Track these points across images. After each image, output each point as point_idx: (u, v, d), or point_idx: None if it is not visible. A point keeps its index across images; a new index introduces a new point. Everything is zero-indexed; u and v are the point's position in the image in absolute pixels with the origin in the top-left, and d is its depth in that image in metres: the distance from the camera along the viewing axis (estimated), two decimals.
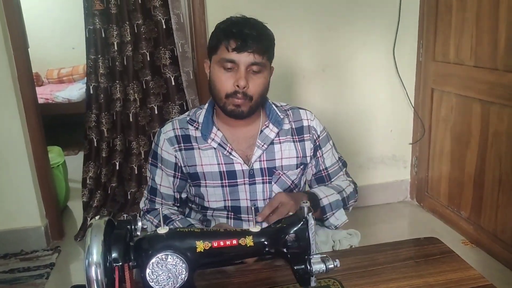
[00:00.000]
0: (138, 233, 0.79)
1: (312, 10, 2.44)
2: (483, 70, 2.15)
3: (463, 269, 0.99)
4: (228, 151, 1.19)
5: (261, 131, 1.21)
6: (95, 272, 0.69)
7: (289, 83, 2.51)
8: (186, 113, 1.26)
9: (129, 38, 2.54)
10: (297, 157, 1.24)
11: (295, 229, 0.81)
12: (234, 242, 0.80)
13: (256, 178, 1.20)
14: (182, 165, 1.21)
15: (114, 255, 0.73)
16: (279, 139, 1.22)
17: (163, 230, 0.79)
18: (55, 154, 2.89)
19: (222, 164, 1.19)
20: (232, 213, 1.22)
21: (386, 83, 2.65)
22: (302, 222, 0.81)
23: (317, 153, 1.28)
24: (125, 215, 2.63)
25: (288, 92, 2.52)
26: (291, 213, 0.97)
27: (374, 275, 0.98)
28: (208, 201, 1.22)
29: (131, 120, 2.66)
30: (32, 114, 2.36)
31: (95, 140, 2.74)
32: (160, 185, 1.24)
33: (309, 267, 0.80)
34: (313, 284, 0.81)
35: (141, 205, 1.30)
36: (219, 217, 1.24)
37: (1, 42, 2.19)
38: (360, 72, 2.60)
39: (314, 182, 1.31)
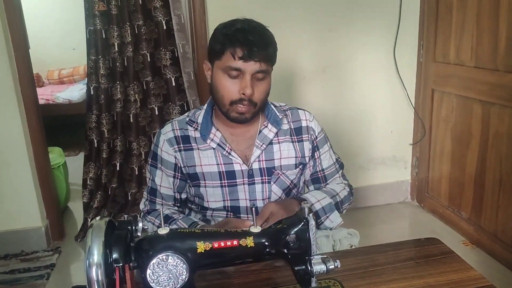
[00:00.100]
0: (139, 233, 0.79)
1: (312, 11, 2.44)
2: (483, 71, 2.15)
3: (464, 269, 0.99)
4: (227, 151, 1.19)
5: (260, 131, 1.22)
6: (96, 273, 0.69)
7: (289, 84, 2.51)
8: (186, 114, 1.27)
9: (130, 39, 2.54)
10: (296, 157, 1.24)
11: (295, 229, 0.81)
12: (235, 242, 0.80)
13: (255, 178, 1.21)
14: (182, 165, 1.21)
15: (114, 255, 0.73)
16: (278, 139, 1.23)
17: (163, 230, 0.79)
18: (55, 154, 2.89)
19: (221, 164, 1.19)
20: (232, 213, 1.23)
21: (386, 83, 2.65)
22: (302, 223, 0.81)
23: (315, 154, 1.28)
24: (125, 216, 2.61)
25: (288, 93, 2.52)
26: None
27: (374, 275, 0.98)
28: (207, 201, 1.22)
29: (131, 121, 2.66)
30: (32, 115, 2.36)
31: (95, 140, 2.74)
32: (160, 185, 1.25)
33: (309, 268, 0.80)
34: (313, 284, 0.81)
35: (141, 206, 1.31)
36: (218, 217, 1.24)
37: (2, 42, 2.20)
38: (360, 72, 2.60)
39: (310, 182, 1.32)
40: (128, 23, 2.52)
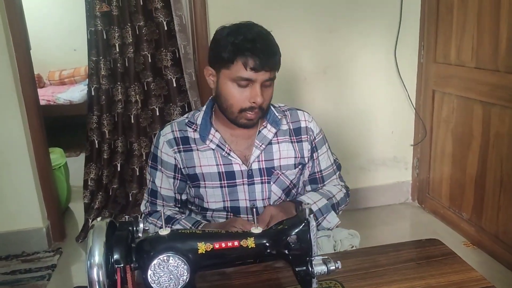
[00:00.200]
0: (140, 234, 0.79)
1: (313, 12, 2.45)
2: (484, 71, 2.15)
3: (465, 270, 0.99)
4: (226, 152, 1.20)
5: (259, 131, 1.22)
6: (97, 274, 0.69)
7: (290, 85, 2.51)
8: (185, 116, 1.28)
9: (131, 40, 2.54)
10: (295, 157, 1.25)
11: (296, 230, 0.81)
12: (236, 243, 0.80)
13: (254, 178, 1.21)
14: (182, 166, 1.22)
15: (116, 256, 0.73)
16: (277, 139, 1.24)
17: (164, 231, 0.79)
18: (56, 155, 2.89)
19: (220, 165, 1.20)
20: (232, 214, 1.23)
21: (387, 84, 2.65)
22: (303, 224, 0.81)
23: (314, 155, 1.29)
24: (126, 217, 2.62)
25: (289, 94, 2.52)
26: None
27: (375, 276, 0.98)
28: (207, 202, 1.22)
29: (132, 121, 2.66)
30: (33, 116, 2.37)
31: (96, 141, 2.75)
32: (161, 187, 1.25)
33: (310, 269, 0.80)
34: (314, 285, 0.81)
35: (142, 208, 1.31)
36: (218, 218, 1.25)
37: (3, 43, 2.20)
38: (361, 73, 2.60)
39: (307, 182, 1.33)
40: (129, 24, 2.52)
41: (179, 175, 1.23)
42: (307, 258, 0.81)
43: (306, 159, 1.27)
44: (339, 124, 2.64)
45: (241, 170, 1.20)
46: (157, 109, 2.61)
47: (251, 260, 1.01)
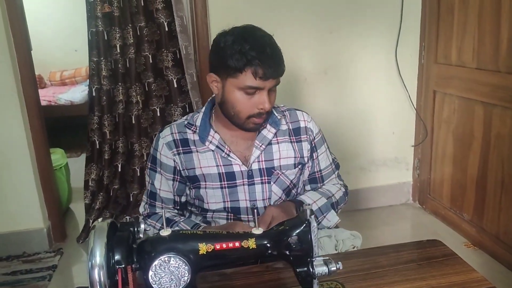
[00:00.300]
0: (141, 235, 0.79)
1: (314, 13, 2.45)
2: (485, 72, 2.15)
3: (466, 271, 0.99)
4: (226, 153, 1.20)
5: (259, 131, 1.22)
6: (98, 274, 0.69)
7: (291, 86, 2.51)
8: (184, 117, 1.28)
9: (132, 41, 2.54)
10: (295, 157, 1.25)
11: (297, 231, 0.81)
12: (237, 244, 0.80)
13: (255, 179, 1.21)
14: (181, 168, 1.22)
15: (117, 257, 0.73)
16: (277, 139, 1.24)
17: (165, 232, 0.79)
18: (57, 156, 2.89)
19: (220, 165, 1.20)
20: (232, 214, 1.23)
21: (388, 85, 2.65)
22: (304, 225, 0.81)
23: (313, 155, 1.30)
24: (127, 217, 2.62)
25: (290, 94, 2.52)
26: None
27: (376, 277, 0.98)
28: (207, 203, 1.23)
29: (133, 122, 2.66)
30: (34, 116, 2.37)
31: (97, 142, 2.75)
32: (160, 189, 1.25)
33: (311, 270, 0.80)
34: (315, 286, 0.81)
35: (141, 209, 1.31)
36: (219, 219, 1.25)
37: (4, 44, 2.20)
38: (362, 74, 2.60)
39: (307, 182, 1.33)
40: (130, 25, 2.52)
41: (179, 177, 1.23)
42: (308, 259, 0.81)
43: (306, 159, 1.28)
44: (339, 125, 2.64)
45: (241, 171, 1.20)
46: (158, 110, 2.61)
47: (252, 261, 1.02)
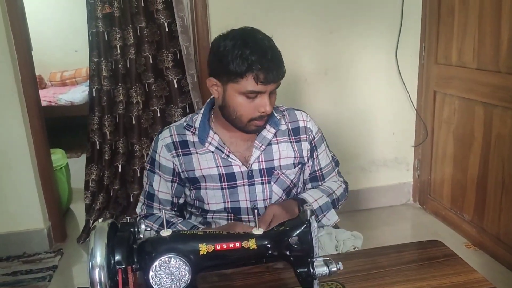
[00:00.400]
0: (141, 235, 0.79)
1: (314, 13, 2.45)
2: (485, 72, 2.15)
3: (467, 272, 0.98)
4: (225, 154, 1.20)
5: (259, 132, 1.22)
6: (99, 275, 0.69)
7: (291, 86, 2.51)
8: (183, 119, 1.27)
9: (132, 41, 2.54)
10: (295, 157, 1.26)
11: (298, 232, 0.81)
12: (237, 245, 0.80)
13: (255, 179, 1.22)
14: (180, 170, 1.22)
15: (117, 257, 0.73)
16: (277, 140, 1.24)
17: (166, 232, 0.79)
18: (57, 156, 2.89)
19: (220, 166, 1.20)
20: (232, 215, 1.23)
21: (388, 85, 2.65)
22: (305, 225, 0.81)
23: (313, 154, 1.30)
24: (127, 218, 2.62)
25: (290, 95, 2.52)
26: None
27: (377, 278, 0.98)
28: (208, 204, 1.23)
29: (133, 122, 2.66)
30: (35, 117, 2.37)
31: (97, 142, 2.75)
32: (158, 190, 1.25)
33: (312, 270, 0.80)
34: (316, 287, 0.81)
35: (138, 210, 1.31)
36: (219, 220, 1.25)
37: (5, 45, 2.21)
38: (362, 74, 2.60)
39: (308, 181, 1.34)
40: (130, 25, 2.52)
41: (177, 179, 1.24)
42: (309, 260, 0.80)
43: (306, 159, 1.28)
44: (340, 125, 2.64)
45: (241, 171, 1.21)
46: (158, 110, 2.61)
47: (253, 261, 1.02)
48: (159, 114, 2.63)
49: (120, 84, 2.64)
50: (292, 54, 2.44)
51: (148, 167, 1.26)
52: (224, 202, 1.22)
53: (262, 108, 1.11)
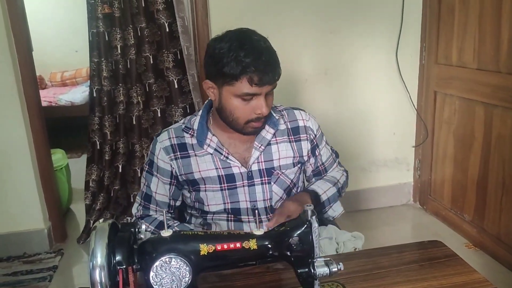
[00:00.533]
0: (142, 236, 0.79)
1: (314, 13, 2.45)
2: (486, 73, 2.15)
3: (468, 272, 0.98)
4: (224, 156, 1.20)
5: (258, 132, 1.22)
6: (100, 275, 0.69)
7: (291, 86, 2.51)
8: (181, 121, 1.27)
9: (132, 41, 2.54)
10: (294, 156, 1.26)
11: (298, 232, 0.81)
12: (238, 245, 0.80)
13: (254, 180, 1.22)
14: (178, 173, 1.21)
15: (118, 258, 0.73)
16: (276, 140, 1.24)
17: (166, 233, 0.79)
18: (58, 156, 2.89)
19: (219, 168, 1.20)
20: (232, 215, 1.23)
21: (388, 85, 2.65)
22: (305, 225, 0.81)
23: (315, 152, 1.31)
24: (128, 218, 2.63)
25: (290, 95, 2.52)
26: None
27: (378, 278, 0.98)
28: (208, 205, 1.23)
29: (134, 123, 2.66)
30: (35, 117, 2.37)
31: (98, 143, 2.75)
32: (156, 192, 1.25)
33: (312, 271, 0.80)
34: (316, 287, 0.81)
35: (134, 210, 1.30)
36: (219, 220, 1.25)
37: (5, 45, 2.21)
38: (362, 75, 2.60)
39: (311, 176, 1.36)
40: (130, 26, 2.52)
41: (175, 182, 1.24)
42: (309, 260, 0.80)
43: (305, 158, 1.29)
44: (340, 125, 2.64)
45: (240, 173, 1.21)
46: (158, 111, 2.61)
47: (253, 262, 1.02)
48: (159, 115, 2.63)
49: (120, 85, 2.64)
50: (292, 54, 2.44)
51: (146, 169, 1.26)
52: (224, 203, 1.22)
53: (259, 110, 1.11)
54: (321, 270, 0.79)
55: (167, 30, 2.51)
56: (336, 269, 0.79)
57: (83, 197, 2.77)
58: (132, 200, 2.76)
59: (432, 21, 2.50)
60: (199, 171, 1.20)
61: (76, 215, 2.97)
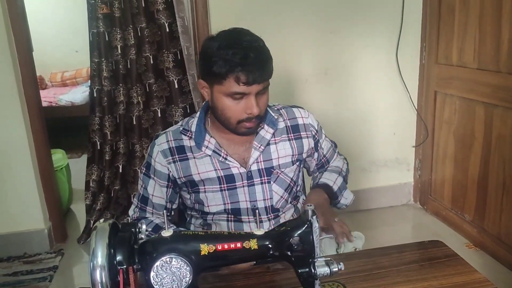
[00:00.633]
0: (142, 236, 0.79)
1: (314, 13, 2.44)
2: (486, 72, 2.15)
3: (468, 272, 0.98)
4: (223, 157, 1.19)
5: (257, 133, 1.22)
6: (100, 275, 0.69)
7: (291, 86, 2.51)
8: (179, 123, 1.27)
9: (133, 42, 2.54)
10: (293, 154, 1.26)
11: (299, 232, 0.81)
12: (238, 245, 0.80)
13: (254, 180, 1.22)
14: (177, 176, 1.21)
15: (118, 258, 0.73)
16: (275, 139, 1.24)
17: (167, 233, 0.79)
18: (58, 156, 2.89)
19: (219, 169, 1.20)
20: (232, 216, 1.23)
21: (389, 85, 2.65)
22: (306, 225, 0.81)
23: (317, 146, 1.32)
24: (128, 218, 2.62)
25: (290, 95, 2.51)
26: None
27: (378, 278, 0.98)
28: (208, 206, 1.22)
29: (134, 123, 2.66)
30: (35, 117, 2.37)
31: (98, 143, 2.75)
32: (153, 195, 1.25)
33: (313, 270, 0.80)
34: (317, 287, 0.81)
35: (130, 212, 1.30)
36: (219, 221, 1.25)
37: (6, 45, 2.21)
38: (362, 75, 2.60)
39: (315, 170, 1.38)
40: (131, 26, 2.52)
41: (172, 185, 1.24)
42: (310, 260, 0.80)
43: (305, 155, 1.29)
44: (340, 125, 2.64)
45: (240, 173, 1.20)
46: (159, 111, 2.61)
47: (254, 262, 1.01)
48: (159, 115, 2.63)
49: (120, 85, 2.64)
50: (292, 54, 2.44)
51: (143, 171, 1.26)
52: (224, 203, 1.22)
53: (249, 110, 1.10)
54: (321, 270, 0.79)
55: (167, 30, 2.51)
56: (336, 269, 0.79)
57: (84, 197, 2.77)
58: (132, 200, 2.75)
59: (432, 21, 2.50)
60: (198, 173, 1.20)
61: (76, 215, 2.97)
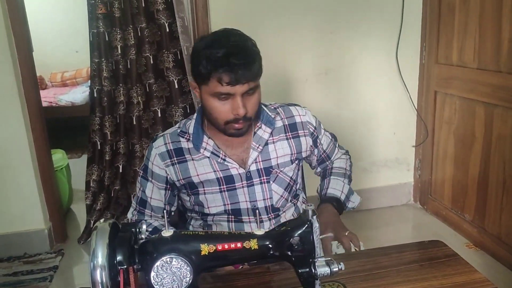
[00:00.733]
0: (143, 236, 0.79)
1: (315, 14, 2.44)
2: (486, 72, 2.15)
3: (468, 272, 0.98)
4: (222, 158, 1.19)
5: (255, 133, 1.22)
6: (100, 275, 0.69)
7: (292, 87, 2.51)
8: (177, 126, 1.26)
9: (133, 42, 2.54)
10: (291, 153, 1.25)
11: (299, 232, 0.81)
12: (239, 245, 0.80)
13: (253, 180, 1.21)
14: (175, 179, 1.21)
15: (119, 258, 0.73)
16: (273, 139, 1.24)
17: (167, 233, 0.79)
18: (58, 157, 2.89)
19: (218, 171, 1.20)
20: (233, 216, 1.23)
21: (389, 86, 2.65)
22: (306, 225, 0.81)
23: (317, 143, 1.32)
24: (128, 218, 2.63)
25: (290, 95, 2.51)
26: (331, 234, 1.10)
27: (378, 278, 0.98)
28: (208, 207, 1.22)
29: (134, 123, 2.66)
30: (36, 117, 2.37)
31: (98, 143, 2.75)
32: (151, 198, 1.24)
33: (313, 270, 0.80)
34: (317, 287, 0.81)
35: (129, 215, 1.30)
36: (220, 222, 1.25)
37: (6, 45, 2.21)
38: (363, 75, 2.60)
39: (316, 166, 1.39)
40: (131, 26, 2.53)
41: (170, 187, 1.23)
42: (310, 260, 0.80)
43: (304, 154, 1.29)
44: (340, 126, 2.64)
45: (239, 173, 1.20)
46: (159, 111, 2.61)
47: (254, 262, 1.02)
48: (159, 115, 2.63)
49: (120, 85, 2.64)
50: (292, 54, 2.44)
51: (141, 174, 1.25)
52: (224, 204, 1.22)
53: (235, 111, 1.09)
54: (322, 270, 0.79)
55: (167, 30, 2.51)
56: (337, 269, 0.79)
57: (84, 197, 2.77)
58: (132, 200, 2.76)
59: (433, 21, 2.50)
60: (197, 175, 1.19)
61: (76, 215, 2.97)
